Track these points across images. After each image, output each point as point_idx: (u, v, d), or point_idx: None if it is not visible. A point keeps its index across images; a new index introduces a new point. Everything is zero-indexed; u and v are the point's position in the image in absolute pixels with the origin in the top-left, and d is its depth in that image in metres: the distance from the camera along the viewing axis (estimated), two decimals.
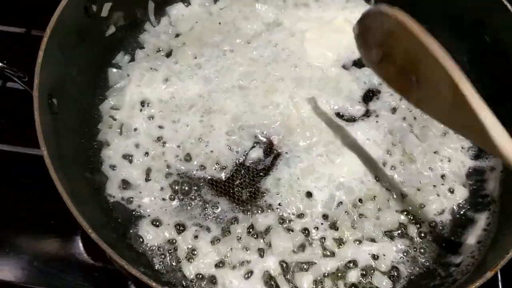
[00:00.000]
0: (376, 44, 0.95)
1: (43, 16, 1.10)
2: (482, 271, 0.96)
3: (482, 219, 1.18)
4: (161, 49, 1.40)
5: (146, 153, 1.24)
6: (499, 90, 1.25)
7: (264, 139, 1.28)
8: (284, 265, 1.13)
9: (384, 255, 1.15)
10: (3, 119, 1.37)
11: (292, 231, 1.16)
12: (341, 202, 1.20)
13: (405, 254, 1.15)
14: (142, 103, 1.30)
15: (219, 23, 1.45)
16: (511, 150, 0.78)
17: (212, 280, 1.10)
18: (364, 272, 1.13)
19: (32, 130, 0.99)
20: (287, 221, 1.18)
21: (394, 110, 1.34)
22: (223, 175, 1.23)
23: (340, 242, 1.16)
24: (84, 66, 1.24)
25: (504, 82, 1.26)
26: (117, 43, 1.36)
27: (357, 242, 1.15)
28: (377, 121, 1.32)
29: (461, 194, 1.24)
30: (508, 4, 1.21)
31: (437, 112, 0.92)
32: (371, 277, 1.13)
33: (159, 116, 1.29)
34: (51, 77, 1.08)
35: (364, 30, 0.97)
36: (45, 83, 1.05)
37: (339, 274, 1.13)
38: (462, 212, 1.22)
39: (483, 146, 0.86)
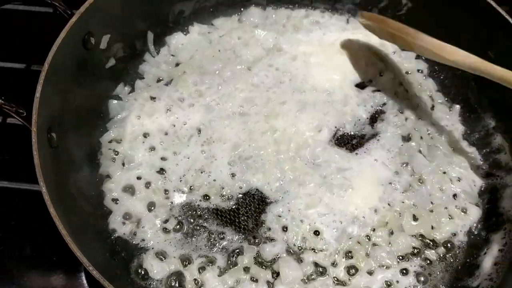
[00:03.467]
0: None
1: (43, 52, 1.10)
2: None
3: (497, 240, 1.14)
4: (161, 78, 1.40)
5: (148, 185, 1.21)
6: (508, 105, 1.24)
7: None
8: None
9: (398, 281, 1.11)
10: (5, 156, 1.35)
11: (302, 261, 1.12)
12: (352, 237, 1.16)
13: (420, 278, 1.11)
14: (144, 135, 1.28)
15: (219, 50, 1.44)
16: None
17: None
18: None
19: (33, 165, 0.97)
20: (297, 251, 1.14)
21: (400, 130, 1.31)
22: (227, 205, 1.20)
23: (353, 271, 1.11)
24: (83, 99, 1.23)
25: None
26: (117, 74, 1.35)
27: (371, 272, 1.11)
28: (383, 142, 1.29)
29: (474, 214, 1.20)
30: (510, 19, 1.20)
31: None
32: None
33: (160, 147, 1.27)
34: (50, 111, 1.07)
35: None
36: (44, 117, 1.04)
37: None
38: (476, 233, 1.18)
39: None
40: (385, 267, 1.11)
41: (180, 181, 1.22)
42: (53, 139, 1.07)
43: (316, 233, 1.15)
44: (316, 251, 1.13)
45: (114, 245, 1.14)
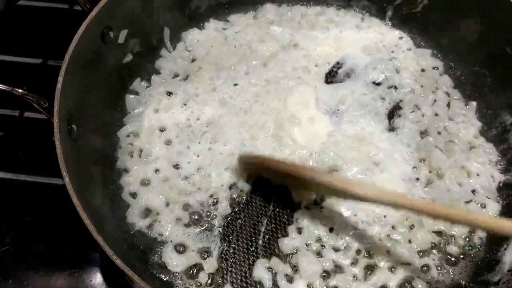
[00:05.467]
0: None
1: (59, 47, 1.10)
2: None
3: None
4: (177, 74, 1.40)
5: (165, 180, 1.21)
6: None
7: None
8: None
9: (419, 277, 1.10)
10: (22, 150, 1.35)
11: (321, 256, 1.12)
12: (373, 235, 1.14)
13: (440, 274, 1.10)
14: (161, 129, 1.27)
15: (235, 46, 1.45)
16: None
17: None
18: None
19: (50, 159, 0.97)
20: (318, 246, 1.13)
21: (417, 126, 1.31)
22: (236, 209, 1.19)
23: (373, 268, 1.10)
24: (101, 93, 1.23)
25: None
26: (134, 69, 1.35)
27: (391, 268, 1.10)
28: (401, 137, 1.29)
29: (493, 209, 1.19)
30: None
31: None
32: None
33: (176, 141, 1.26)
34: (70, 103, 1.07)
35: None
36: (65, 109, 1.03)
37: None
38: None
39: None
40: (405, 264, 1.11)
41: (189, 182, 1.21)
42: (73, 131, 1.07)
43: (336, 233, 1.14)
44: (336, 250, 1.12)
45: (133, 238, 1.13)
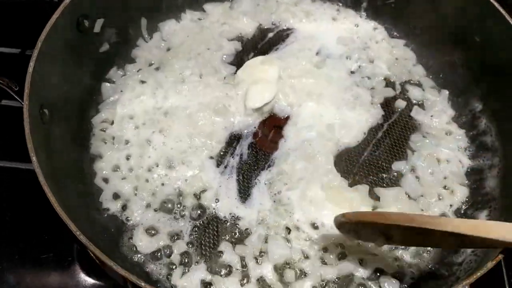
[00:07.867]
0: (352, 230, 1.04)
1: (37, 37, 1.11)
2: (484, 265, 0.93)
3: (482, 217, 1.16)
4: (152, 63, 1.42)
5: (133, 168, 1.22)
6: (491, 82, 1.29)
7: None
8: (281, 272, 1.09)
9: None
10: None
11: (289, 242, 1.13)
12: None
13: (408, 257, 1.12)
14: (131, 116, 1.29)
15: (209, 36, 1.47)
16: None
17: (207, 286, 1.07)
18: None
19: (26, 145, 0.97)
20: (285, 234, 1.14)
21: None
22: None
23: (342, 256, 1.12)
24: (77, 80, 1.25)
25: (495, 75, 1.27)
26: (110, 58, 1.38)
27: (361, 260, 1.11)
28: None
29: (462, 194, 1.22)
30: (496, 4, 1.22)
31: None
32: (377, 280, 1.09)
33: (144, 129, 1.27)
34: (43, 89, 1.08)
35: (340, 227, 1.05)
36: (37, 94, 1.04)
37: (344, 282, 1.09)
38: (462, 212, 1.20)
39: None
40: (374, 254, 1.12)
41: (152, 175, 1.22)
42: (45, 115, 1.08)
43: (315, 225, 1.15)
44: (308, 240, 1.13)
45: (104, 222, 1.15)
